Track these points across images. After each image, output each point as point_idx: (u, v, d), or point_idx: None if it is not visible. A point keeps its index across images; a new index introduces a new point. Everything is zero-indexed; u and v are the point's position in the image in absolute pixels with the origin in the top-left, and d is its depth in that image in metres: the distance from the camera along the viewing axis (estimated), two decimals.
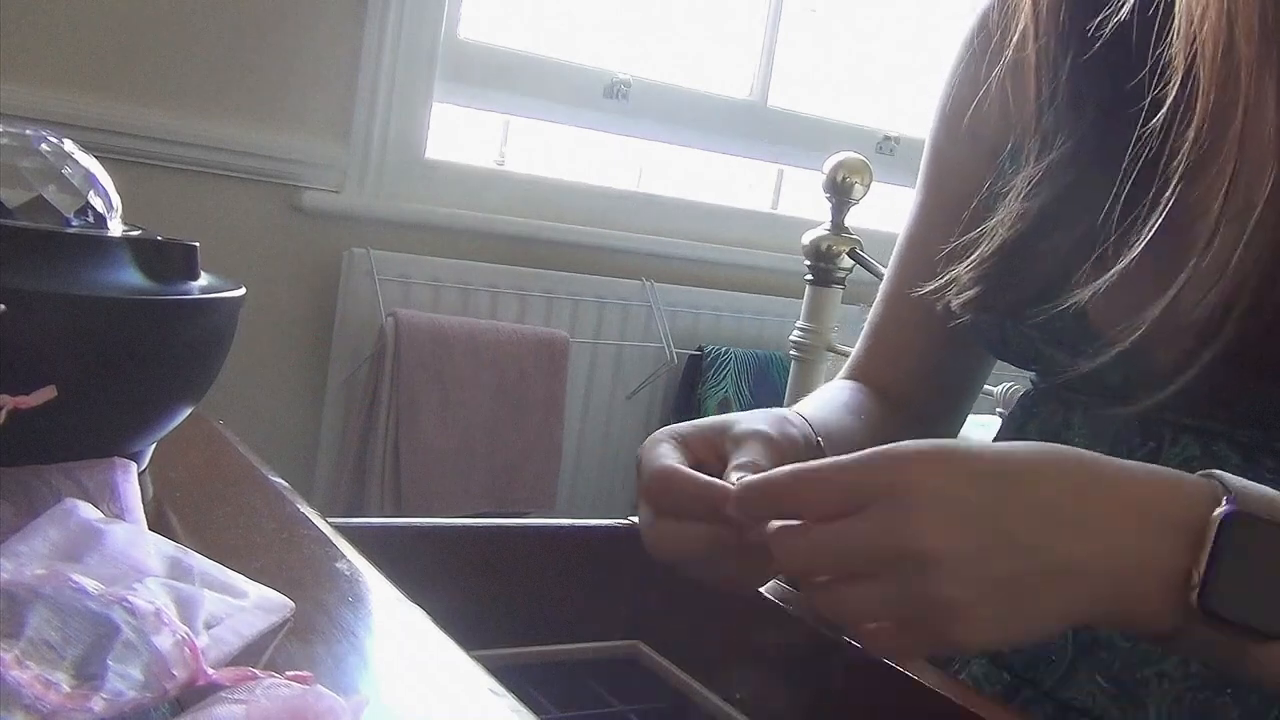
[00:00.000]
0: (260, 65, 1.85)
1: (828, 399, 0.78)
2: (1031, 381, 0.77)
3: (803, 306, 1.86)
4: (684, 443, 0.59)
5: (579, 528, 0.78)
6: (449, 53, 2.04)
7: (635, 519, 0.83)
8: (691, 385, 2.31)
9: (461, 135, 2.21)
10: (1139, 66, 0.63)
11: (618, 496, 2.31)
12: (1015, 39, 0.70)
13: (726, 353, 2.31)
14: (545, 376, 2.06)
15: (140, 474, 0.60)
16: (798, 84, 2.50)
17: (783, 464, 0.53)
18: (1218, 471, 0.48)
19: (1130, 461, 0.49)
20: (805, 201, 2.54)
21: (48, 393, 0.48)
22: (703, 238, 2.35)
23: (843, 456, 0.48)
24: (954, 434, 0.86)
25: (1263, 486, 0.47)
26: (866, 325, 0.85)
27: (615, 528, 0.79)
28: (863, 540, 0.46)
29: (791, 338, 1.87)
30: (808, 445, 0.64)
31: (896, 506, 0.45)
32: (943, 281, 0.71)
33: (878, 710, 0.62)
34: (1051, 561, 0.45)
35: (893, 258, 0.84)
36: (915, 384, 0.82)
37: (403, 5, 1.92)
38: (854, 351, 0.86)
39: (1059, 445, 0.49)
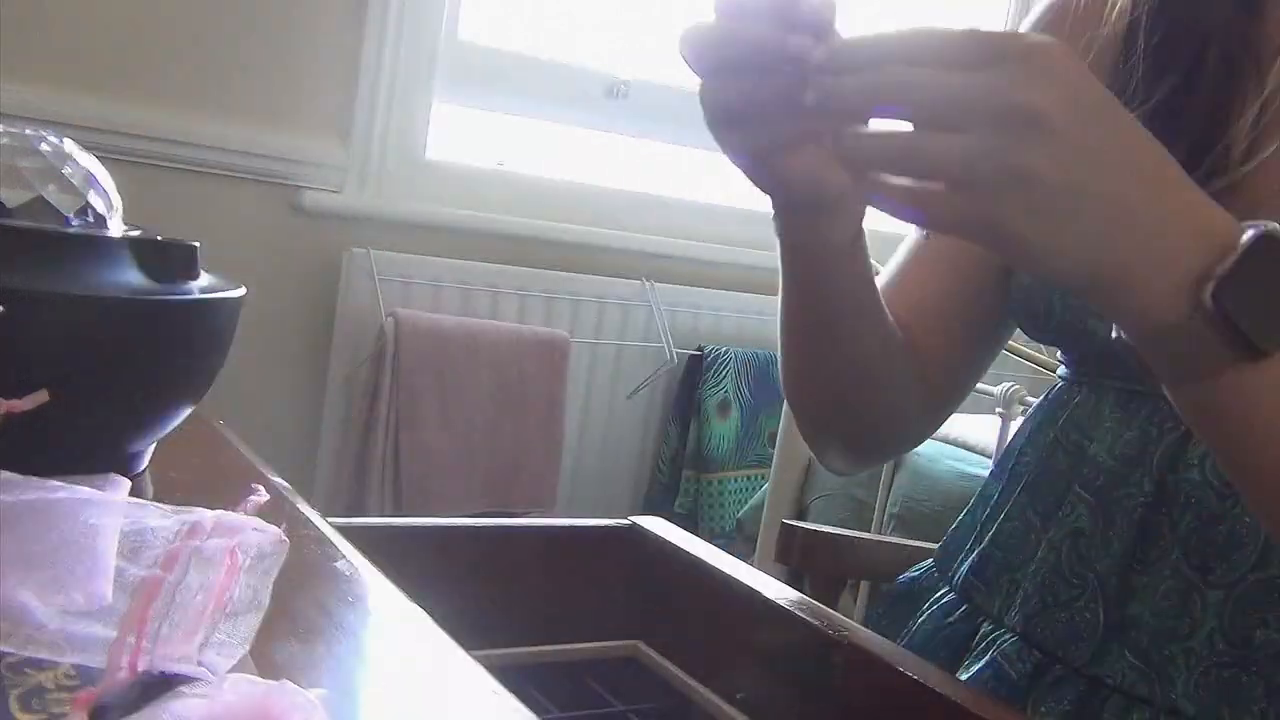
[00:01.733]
0: (260, 65, 1.85)
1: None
2: (1060, 377, 0.77)
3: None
4: None
5: (579, 528, 0.78)
6: (449, 53, 2.03)
7: (635, 519, 0.83)
8: (691, 385, 2.31)
9: (461, 135, 2.21)
10: (1217, 46, 0.66)
11: (618, 496, 2.31)
12: (1116, 12, 0.72)
13: (726, 353, 2.31)
14: (545, 376, 2.06)
15: (140, 474, 0.60)
16: None
17: None
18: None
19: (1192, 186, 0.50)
20: None
21: (40, 396, 0.48)
22: (703, 238, 2.35)
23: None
24: (959, 399, 0.84)
25: None
26: (896, 254, 0.83)
27: (615, 528, 0.79)
28: (980, 91, 0.45)
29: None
30: None
31: (1033, 67, 0.45)
32: None
33: (878, 710, 0.62)
34: (1119, 189, 0.46)
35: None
36: (934, 323, 0.80)
37: (403, 5, 1.92)
38: (889, 266, 0.84)
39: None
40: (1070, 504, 0.71)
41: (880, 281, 0.81)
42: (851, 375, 0.73)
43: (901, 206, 0.48)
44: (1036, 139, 0.44)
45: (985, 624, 0.74)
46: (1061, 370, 0.78)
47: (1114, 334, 0.52)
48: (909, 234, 0.82)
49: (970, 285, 0.78)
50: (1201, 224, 0.48)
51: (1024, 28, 0.79)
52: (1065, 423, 0.74)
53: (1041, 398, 0.79)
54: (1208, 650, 0.64)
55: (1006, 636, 0.72)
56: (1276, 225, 0.47)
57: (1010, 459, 0.78)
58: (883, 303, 0.72)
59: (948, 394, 0.82)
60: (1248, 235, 0.47)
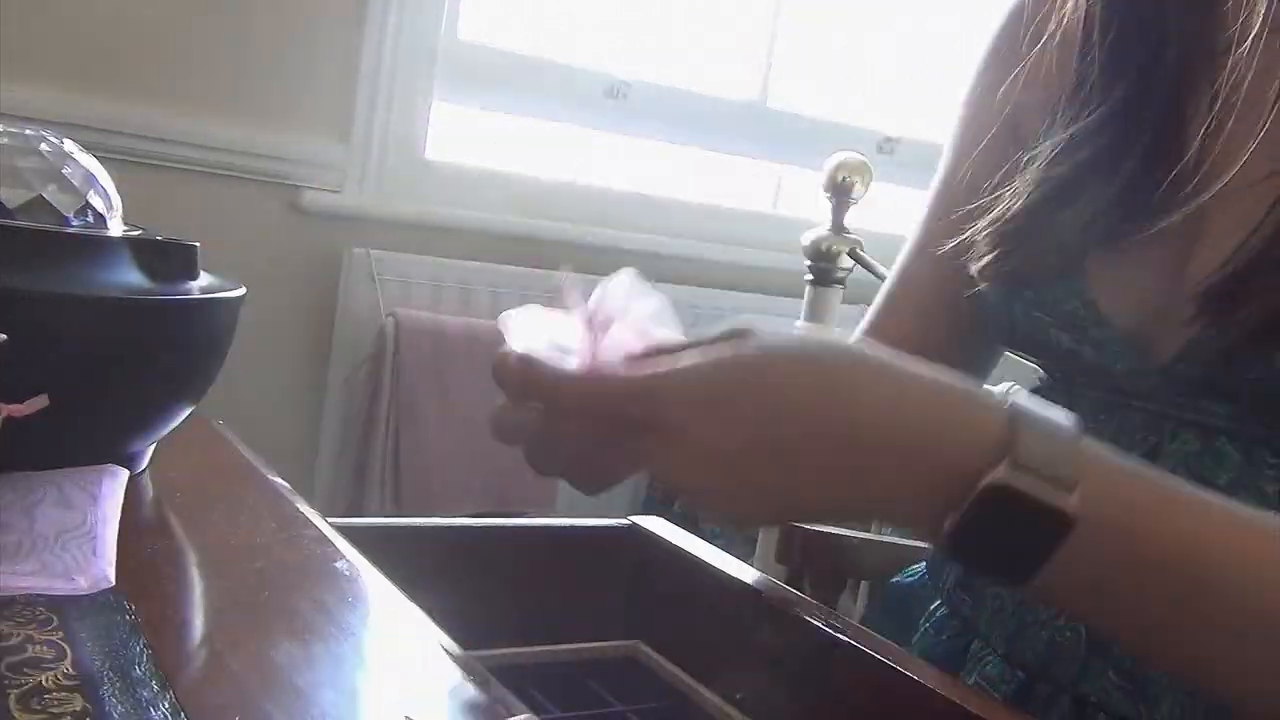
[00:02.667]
0: (260, 65, 1.84)
1: None
2: (1039, 379, 0.77)
3: (803, 306, 1.86)
4: None
5: (579, 528, 0.78)
6: (449, 53, 2.03)
7: (635, 519, 0.83)
8: None
9: (461, 135, 2.21)
10: (1173, 45, 0.66)
11: (618, 496, 2.31)
12: (1067, 10, 0.72)
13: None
14: None
15: (140, 474, 0.60)
16: (798, 84, 2.50)
17: None
18: (1019, 404, 0.47)
19: (915, 386, 0.49)
20: (805, 201, 2.54)
21: (39, 401, 0.48)
22: (703, 238, 2.35)
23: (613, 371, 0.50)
24: None
25: (1053, 425, 0.47)
26: (883, 287, 0.86)
27: (615, 528, 0.79)
28: (623, 456, 0.49)
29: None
30: None
31: (652, 440, 0.47)
32: (962, 240, 0.72)
33: (878, 710, 0.62)
34: (812, 508, 0.49)
35: (908, 243, 0.84)
36: (922, 351, 0.81)
37: (403, 5, 1.92)
38: (869, 311, 0.86)
39: (835, 368, 0.48)
40: None
41: (869, 314, 0.85)
42: None
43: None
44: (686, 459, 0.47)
45: (975, 642, 0.73)
46: (1040, 372, 0.77)
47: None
48: (896, 262, 0.85)
49: (955, 310, 0.79)
50: (925, 481, 0.46)
51: (988, 41, 0.80)
52: None
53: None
54: None
55: (990, 656, 0.72)
56: (1005, 481, 0.45)
57: None
58: None
59: None
60: (977, 491, 0.45)
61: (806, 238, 1.83)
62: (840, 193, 1.81)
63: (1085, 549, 0.45)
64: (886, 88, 2.59)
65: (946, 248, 0.73)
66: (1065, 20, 0.72)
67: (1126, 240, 0.65)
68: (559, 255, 2.16)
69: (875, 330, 0.85)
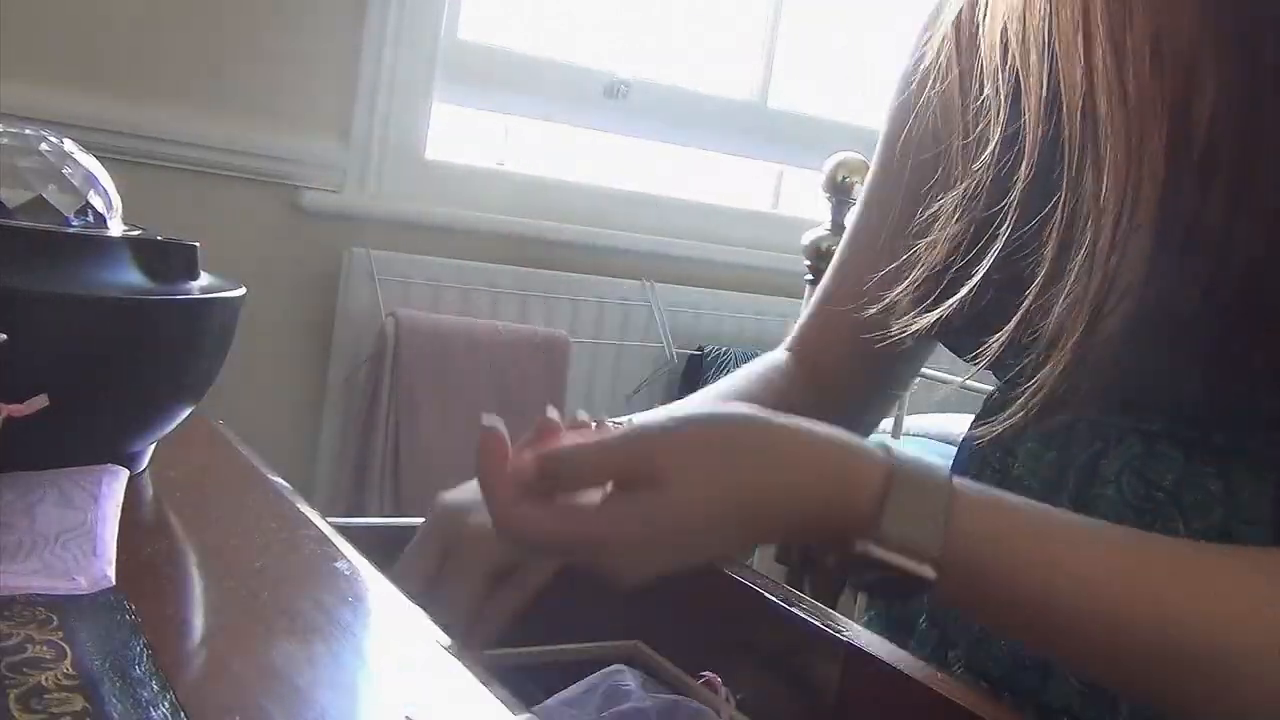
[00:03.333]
0: (260, 65, 1.84)
1: (739, 375, 0.85)
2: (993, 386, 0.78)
3: (803, 306, 1.86)
4: None
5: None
6: (449, 53, 2.03)
7: None
8: (691, 385, 2.30)
9: (461, 135, 2.21)
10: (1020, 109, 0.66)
11: None
12: (944, 71, 0.74)
13: (726, 353, 2.31)
14: (545, 376, 2.06)
15: (140, 474, 0.60)
16: (798, 84, 2.50)
17: None
18: (896, 465, 0.53)
19: (804, 447, 0.53)
20: (805, 201, 2.54)
21: (39, 401, 0.48)
22: (703, 238, 2.35)
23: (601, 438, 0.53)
24: (876, 421, 0.92)
25: (926, 480, 0.53)
26: (817, 292, 0.89)
27: None
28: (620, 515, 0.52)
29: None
30: None
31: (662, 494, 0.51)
32: (883, 305, 0.73)
33: (878, 710, 0.62)
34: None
35: (848, 234, 0.87)
36: (845, 364, 0.85)
37: (403, 5, 1.92)
38: (800, 318, 0.91)
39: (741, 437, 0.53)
40: None
41: (797, 331, 0.90)
42: None
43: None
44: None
45: (950, 653, 0.73)
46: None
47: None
48: (818, 286, 0.89)
49: (870, 329, 0.79)
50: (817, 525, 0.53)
51: (897, 83, 0.83)
52: (992, 439, 0.72)
53: (982, 402, 0.79)
54: None
55: (955, 667, 0.72)
56: (864, 548, 0.52)
57: (955, 468, 0.77)
58: None
59: (868, 414, 0.90)
60: (847, 559, 0.53)
61: (806, 238, 1.83)
62: (840, 193, 1.81)
63: (951, 594, 0.53)
64: (886, 88, 2.59)
65: (871, 312, 0.74)
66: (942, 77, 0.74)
67: (1027, 285, 0.64)
68: (559, 255, 2.17)
69: (815, 318, 0.89)
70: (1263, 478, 0.62)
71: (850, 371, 0.85)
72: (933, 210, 0.72)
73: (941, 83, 0.74)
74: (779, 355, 0.88)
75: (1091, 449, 0.67)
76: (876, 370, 0.86)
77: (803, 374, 0.85)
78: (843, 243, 0.88)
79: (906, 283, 0.71)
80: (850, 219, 0.88)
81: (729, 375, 0.85)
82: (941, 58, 0.74)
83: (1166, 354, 0.60)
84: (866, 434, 0.88)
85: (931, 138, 0.76)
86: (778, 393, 0.82)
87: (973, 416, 0.86)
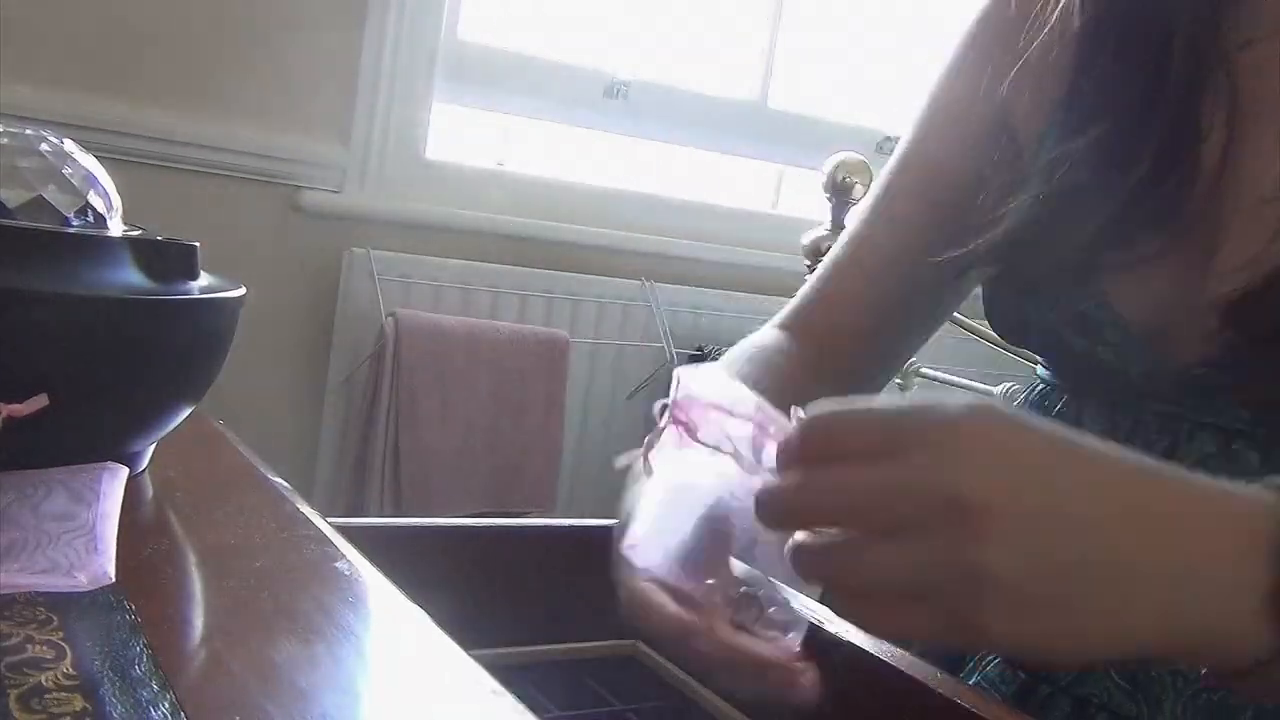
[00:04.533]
0: (260, 65, 1.84)
1: (735, 358, 0.78)
2: (1042, 380, 0.76)
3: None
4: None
5: (579, 528, 0.78)
6: (449, 53, 2.03)
7: None
8: None
9: (461, 135, 2.21)
10: (1181, 54, 0.64)
11: (618, 497, 2.31)
12: (1054, 17, 0.70)
13: (726, 353, 2.31)
14: (545, 376, 2.06)
15: (140, 474, 0.60)
16: (798, 84, 2.50)
17: None
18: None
19: (1198, 484, 0.42)
20: (805, 201, 2.54)
21: (39, 401, 0.48)
22: (703, 238, 2.35)
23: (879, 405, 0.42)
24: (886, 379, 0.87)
25: None
26: (819, 270, 0.83)
27: (615, 528, 0.79)
28: (898, 481, 0.40)
29: None
30: None
31: (943, 452, 0.39)
32: (962, 252, 0.70)
33: (878, 710, 0.62)
34: (1112, 550, 0.39)
35: (862, 216, 0.83)
36: (853, 340, 0.81)
37: (403, 5, 1.92)
38: (799, 295, 0.84)
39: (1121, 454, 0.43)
40: None
41: (796, 304, 0.83)
42: None
43: (878, 628, 0.44)
44: (981, 530, 0.38)
45: None
46: (1041, 371, 0.76)
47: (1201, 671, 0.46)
48: (824, 260, 0.84)
49: (894, 296, 0.79)
50: (1231, 533, 0.40)
51: (968, 26, 0.78)
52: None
53: (1022, 398, 0.78)
54: (1196, 672, 0.62)
55: (990, 659, 0.71)
56: None
57: None
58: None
59: (870, 387, 0.84)
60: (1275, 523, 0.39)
61: (806, 238, 1.83)
62: (840, 193, 1.81)
63: None
64: (886, 88, 2.59)
65: (942, 257, 0.71)
66: (1054, 19, 0.70)
67: (1142, 245, 0.64)
68: (559, 255, 2.16)
69: (821, 294, 0.83)
70: None
71: (852, 353, 0.81)
72: (1032, 166, 0.69)
73: (1049, 36, 0.70)
74: (772, 334, 0.82)
75: (1161, 445, 0.65)
76: (879, 352, 0.83)
77: (800, 354, 0.80)
78: (858, 222, 0.82)
79: (992, 234, 0.68)
80: (870, 195, 0.83)
81: (726, 361, 0.79)
82: (1054, 12, 0.70)
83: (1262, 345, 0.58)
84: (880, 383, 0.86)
85: (1034, 78, 0.71)
86: (783, 376, 0.77)
87: None
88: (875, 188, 0.83)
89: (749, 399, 0.46)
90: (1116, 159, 0.65)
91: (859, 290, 0.81)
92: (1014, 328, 0.73)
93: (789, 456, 0.43)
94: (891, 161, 0.82)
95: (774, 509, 0.42)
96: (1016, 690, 0.69)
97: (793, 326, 0.84)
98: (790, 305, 0.85)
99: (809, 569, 0.42)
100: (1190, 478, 0.42)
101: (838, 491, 0.41)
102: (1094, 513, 0.39)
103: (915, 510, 0.39)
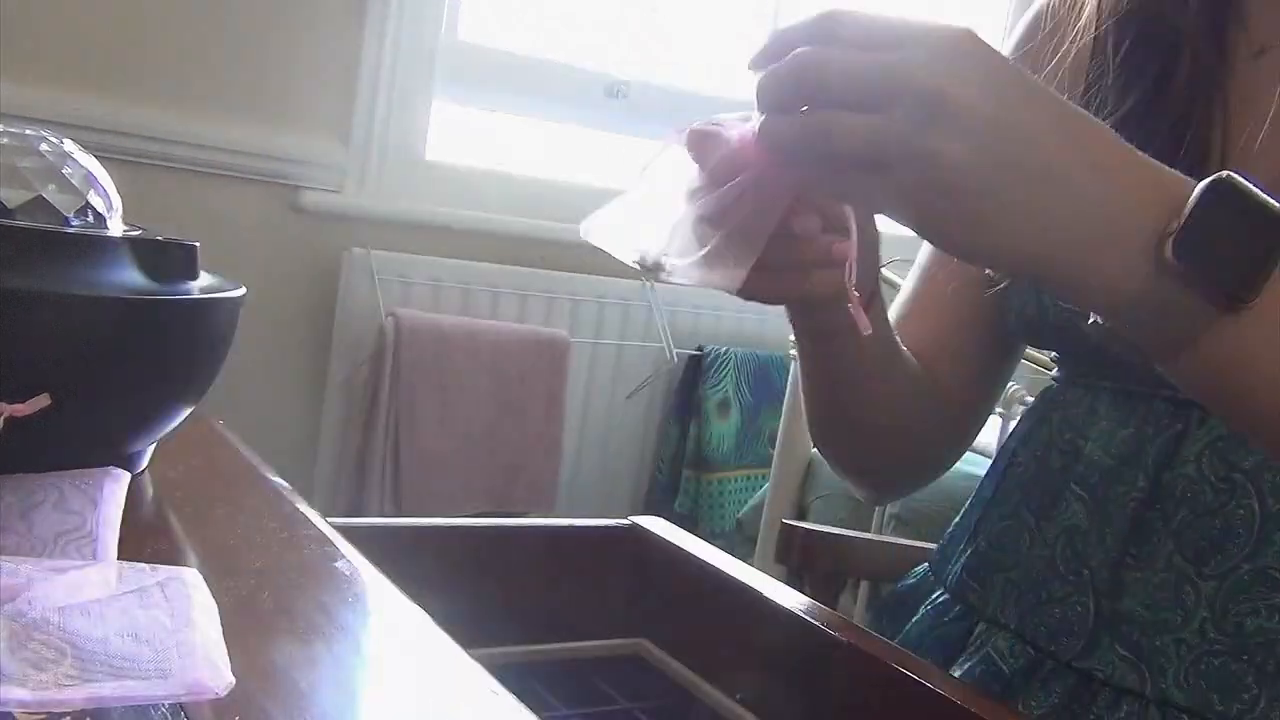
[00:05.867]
0: (260, 65, 1.84)
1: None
2: (1053, 379, 0.77)
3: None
4: None
5: (579, 528, 0.78)
6: (449, 53, 2.03)
7: (635, 519, 0.83)
8: (691, 385, 2.31)
9: (461, 135, 2.21)
10: (1189, 54, 0.66)
11: (618, 496, 2.31)
12: (1082, 24, 0.72)
13: (726, 353, 2.31)
14: (545, 376, 2.06)
15: (140, 474, 0.60)
16: None
17: None
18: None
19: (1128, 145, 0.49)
20: None
21: (41, 400, 0.48)
22: None
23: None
24: (979, 425, 0.85)
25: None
26: (906, 284, 0.84)
27: (615, 528, 0.79)
28: (881, 71, 0.45)
29: (792, 337, 1.86)
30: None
31: (935, 49, 0.45)
32: None
33: (878, 710, 0.62)
34: (1045, 164, 0.45)
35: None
36: (946, 353, 0.80)
37: (402, 5, 1.92)
38: (893, 309, 0.83)
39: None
40: (1066, 502, 0.71)
41: (891, 315, 0.82)
42: (882, 421, 0.74)
43: (831, 185, 0.49)
44: (942, 120, 0.44)
45: (980, 624, 0.74)
46: (1055, 372, 0.78)
47: (1090, 320, 0.51)
48: (917, 260, 0.83)
49: (976, 311, 0.78)
50: (1147, 183, 0.47)
51: (1007, 50, 0.79)
52: (1060, 423, 0.74)
53: (1035, 399, 0.79)
54: (1199, 640, 0.64)
55: (999, 634, 0.72)
56: (1229, 173, 0.46)
57: (1003, 460, 0.79)
58: (900, 345, 0.73)
59: (967, 422, 0.83)
60: (1200, 186, 0.46)
61: None
62: None
63: (1235, 350, 0.46)
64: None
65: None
66: (1079, 36, 0.72)
67: None
68: (559, 255, 2.16)
69: (900, 328, 0.81)
70: None
71: (948, 359, 0.80)
72: None
73: (1077, 40, 0.72)
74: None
75: (1173, 430, 0.67)
76: (971, 368, 0.81)
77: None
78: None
79: None
80: None
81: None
82: (1084, 12, 0.72)
83: None
84: (974, 436, 0.85)
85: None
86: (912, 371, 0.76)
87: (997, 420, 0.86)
88: None
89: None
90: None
91: (930, 320, 0.81)
92: (1029, 322, 0.73)
93: (794, 36, 0.47)
94: None
95: (771, 83, 0.47)
96: (1024, 665, 0.69)
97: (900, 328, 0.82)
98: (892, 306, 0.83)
99: (780, 136, 0.48)
100: (1124, 145, 0.48)
101: (828, 65, 0.46)
102: (1040, 128, 0.46)
103: (893, 92, 0.45)
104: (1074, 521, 0.70)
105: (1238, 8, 0.69)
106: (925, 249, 0.83)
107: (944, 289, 0.80)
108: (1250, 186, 0.46)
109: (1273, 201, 0.45)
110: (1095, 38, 0.72)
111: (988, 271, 0.72)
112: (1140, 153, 0.48)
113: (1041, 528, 0.72)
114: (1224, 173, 0.46)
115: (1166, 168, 0.48)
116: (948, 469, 0.86)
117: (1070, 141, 0.46)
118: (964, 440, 0.84)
